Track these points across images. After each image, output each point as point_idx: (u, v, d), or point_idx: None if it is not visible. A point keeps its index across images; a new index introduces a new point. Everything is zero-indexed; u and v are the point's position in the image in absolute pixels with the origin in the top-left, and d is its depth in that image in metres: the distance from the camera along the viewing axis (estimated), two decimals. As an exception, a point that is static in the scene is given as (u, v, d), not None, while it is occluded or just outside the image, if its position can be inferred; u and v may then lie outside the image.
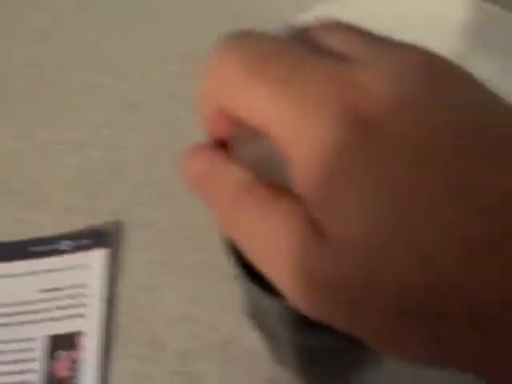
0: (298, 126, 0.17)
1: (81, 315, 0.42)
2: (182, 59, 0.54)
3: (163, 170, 0.47)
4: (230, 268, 0.41)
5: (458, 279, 0.16)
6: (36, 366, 0.40)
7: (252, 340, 0.39)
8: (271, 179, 0.19)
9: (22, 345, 0.41)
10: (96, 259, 0.44)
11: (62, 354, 0.40)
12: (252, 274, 0.24)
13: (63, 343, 0.41)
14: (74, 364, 0.40)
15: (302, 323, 0.23)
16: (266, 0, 0.56)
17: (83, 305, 0.42)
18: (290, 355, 0.28)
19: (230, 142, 0.21)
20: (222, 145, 0.21)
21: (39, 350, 0.40)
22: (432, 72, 0.18)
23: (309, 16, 0.50)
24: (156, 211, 0.45)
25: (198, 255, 0.43)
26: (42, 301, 0.42)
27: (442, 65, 0.18)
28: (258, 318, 0.27)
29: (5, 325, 0.41)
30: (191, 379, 0.39)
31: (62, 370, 0.40)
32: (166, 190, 0.46)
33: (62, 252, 0.44)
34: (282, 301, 0.23)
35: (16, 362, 0.40)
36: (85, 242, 0.44)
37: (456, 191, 0.16)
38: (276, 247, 0.18)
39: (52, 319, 0.42)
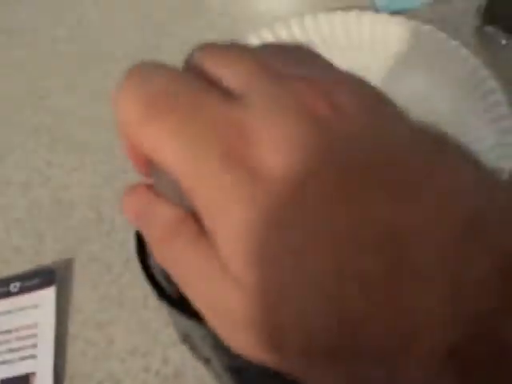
0: (193, 170, 0.18)
1: (32, 356, 0.41)
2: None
3: (111, 206, 0.48)
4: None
5: (359, 315, 0.16)
6: (-13, 411, 0.39)
7: (204, 371, 0.39)
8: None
9: (-28, 391, 0.40)
10: (45, 298, 0.43)
11: (15, 397, 0.40)
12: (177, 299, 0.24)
13: (15, 386, 0.40)
14: (26, 407, 0.39)
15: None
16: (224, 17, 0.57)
17: (34, 346, 0.42)
18: (227, 380, 0.29)
19: (148, 175, 0.21)
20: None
21: (-10, 394, 0.40)
22: (321, 111, 0.17)
23: (265, 33, 0.51)
24: (105, 247, 0.46)
25: (148, 288, 0.43)
26: (-8, 344, 0.42)
27: (337, 100, 0.18)
28: (187, 342, 0.27)
29: (-46, 371, 0.41)
30: (146, 414, 0.39)
31: (15, 414, 0.39)
32: (115, 226, 0.46)
33: (10, 294, 0.44)
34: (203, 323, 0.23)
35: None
36: (33, 281, 0.44)
37: (348, 228, 0.16)
38: (201, 286, 0.18)
39: (3, 362, 0.41)
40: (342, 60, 0.50)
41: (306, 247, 0.17)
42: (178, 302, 0.24)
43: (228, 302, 0.17)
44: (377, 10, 0.55)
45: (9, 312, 0.43)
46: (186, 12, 0.59)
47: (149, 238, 0.20)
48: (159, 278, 0.25)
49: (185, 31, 0.57)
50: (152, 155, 0.19)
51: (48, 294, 0.44)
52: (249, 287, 0.17)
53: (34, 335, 0.42)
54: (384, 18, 0.53)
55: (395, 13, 0.54)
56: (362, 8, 0.54)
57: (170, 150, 0.18)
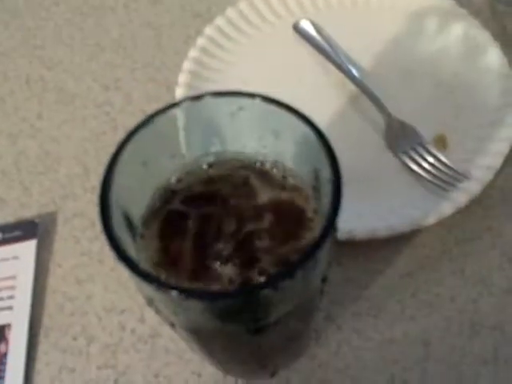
0: None
1: (9, 308, 0.41)
2: (115, 48, 0.53)
3: (98, 161, 0.47)
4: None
5: None
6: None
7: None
8: None
9: None
10: (26, 251, 0.43)
11: (-11, 347, 0.40)
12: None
13: (-10, 337, 0.40)
14: (1, 357, 0.39)
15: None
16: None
17: (11, 297, 0.41)
18: (190, 340, 0.28)
19: None
20: None
21: (-34, 343, 0.40)
22: None
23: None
24: (89, 203, 0.45)
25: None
26: (-30, 294, 0.42)
27: None
28: (152, 305, 0.27)
29: None
30: (118, 373, 0.38)
31: (-11, 364, 0.39)
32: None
33: (-9, 244, 0.43)
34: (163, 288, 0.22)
35: None
36: (15, 233, 0.44)
37: None
38: None
39: (-21, 312, 0.41)
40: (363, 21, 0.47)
41: None
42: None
43: None
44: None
45: (-11, 262, 0.43)
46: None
47: None
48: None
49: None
50: None
51: (29, 247, 0.43)
52: None
53: (13, 287, 0.42)
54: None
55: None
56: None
57: None
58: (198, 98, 0.28)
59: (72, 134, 0.48)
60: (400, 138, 0.45)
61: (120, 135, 0.48)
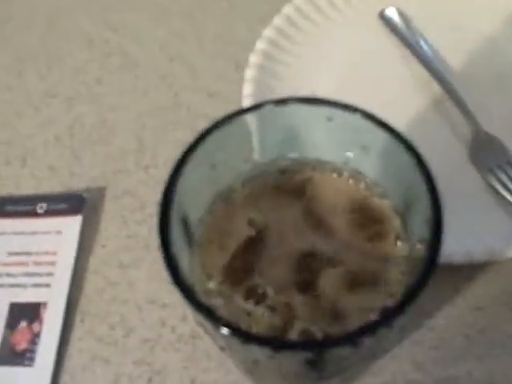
0: None
1: (47, 285, 0.39)
2: (184, 17, 0.50)
3: (155, 138, 0.44)
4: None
5: None
6: (-8, 334, 0.37)
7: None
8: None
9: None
10: (70, 226, 0.40)
11: (23, 324, 0.37)
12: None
13: (25, 313, 0.38)
14: (33, 337, 0.37)
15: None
16: None
17: (50, 274, 0.39)
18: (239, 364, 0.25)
19: None
20: None
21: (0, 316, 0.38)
22: None
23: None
24: (141, 182, 0.42)
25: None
26: (8, 264, 0.40)
27: None
28: (201, 326, 0.24)
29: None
30: (154, 371, 0.36)
31: (22, 343, 0.37)
32: (155, 161, 0.43)
33: (35, 214, 0.41)
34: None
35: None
36: (61, 206, 0.41)
37: None
38: None
39: (16, 285, 0.39)
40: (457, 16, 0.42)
41: None
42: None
43: None
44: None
45: (31, 233, 0.41)
46: None
47: None
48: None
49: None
50: None
51: (74, 222, 0.41)
52: None
53: (53, 263, 0.39)
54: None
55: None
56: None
57: None
58: (282, 102, 0.25)
59: (131, 104, 0.46)
60: (486, 152, 0.40)
61: (182, 113, 0.46)
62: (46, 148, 0.44)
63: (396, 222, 0.27)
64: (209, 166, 0.25)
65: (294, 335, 0.24)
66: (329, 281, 0.25)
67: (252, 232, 0.27)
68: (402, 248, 0.27)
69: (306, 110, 0.25)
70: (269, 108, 0.25)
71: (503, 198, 0.38)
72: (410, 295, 0.20)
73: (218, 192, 0.27)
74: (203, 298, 0.25)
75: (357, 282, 0.25)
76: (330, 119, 0.25)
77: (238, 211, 0.27)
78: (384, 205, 0.27)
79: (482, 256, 0.35)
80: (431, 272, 0.21)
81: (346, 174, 0.28)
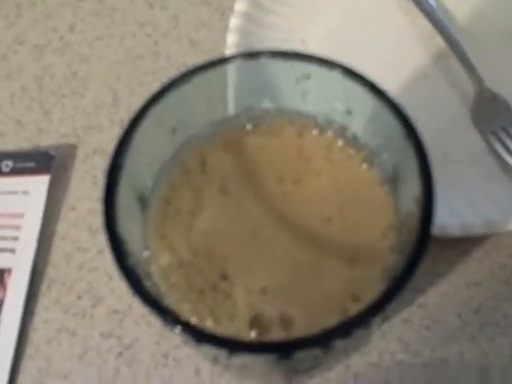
0: None
1: (11, 250, 0.36)
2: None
3: (131, 91, 0.40)
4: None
5: None
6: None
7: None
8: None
9: None
10: (37, 186, 0.37)
11: (-15, 291, 0.35)
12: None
13: (-13, 279, 0.35)
14: (-4, 305, 0.35)
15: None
16: None
17: (15, 238, 0.36)
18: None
19: None
20: None
21: (-40, 282, 0.35)
22: None
23: None
24: (114, 139, 0.39)
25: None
26: (-31, 227, 0.37)
27: None
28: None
29: None
30: (123, 345, 0.33)
31: (-18, 310, 0.34)
32: (130, 116, 0.39)
33: (0, 173, 0.38)
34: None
35: None
36: (28, 164, 0.38)
37: None
38: None
39: (-22, 250, 0.36)
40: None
41: None
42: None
43: None
44: None
45: (-5, 194, 0.38)
46: None
47: None
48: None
49: None
50: None
51: (41, 182, 0.38)
52: None
53: (18, 227, 0.37)
54: None
55: None
56: None
57: None
58: (251, 56, 0.21)
59: (105, 53, 0.42)
60: (491, 113, 0.37)
61: (160, 63, 0.42)
62: (12, 101, 0.41)
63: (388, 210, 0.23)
64: (168, 130, 0.22)
65: (267, 321, 0.21)
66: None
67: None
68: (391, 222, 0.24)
69: (280, 65, 0.21)
70: (237, 62, 0.21)
71: (506, 164, 0.35)
72: (389, 295, 0.17)
73: (180, 159, 0.24)
74: (157, 277, 0.22)
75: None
76: (307, 77, 0.22)
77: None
78: (372, 175, 0.24)
79: (479, 228, 0.32)
80: (415, 267, 0.18)
81: (329, 133, 0.24)
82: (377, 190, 0.23)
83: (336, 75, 0.20)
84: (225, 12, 0.42)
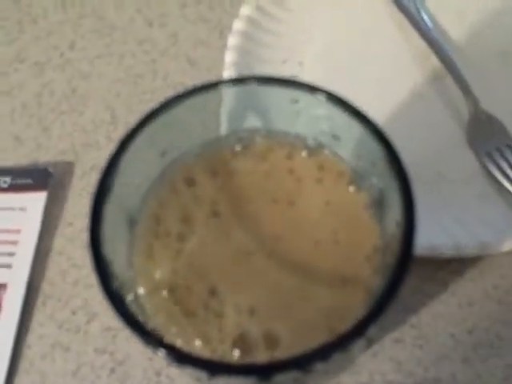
0: None
1: (7, 266, 0.36)
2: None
3: (129, 109, 0.41)
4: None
5: None
6: None
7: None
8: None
9: None
10: (34, 203, 0.38)
11: (-20, 306, 0.35)
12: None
13: (-17, 295, 0.36)
14: (-10, 320, 0.35)
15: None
16: None
17: (11, 254, 0.36)
18: None
19: None
20: None
21: (-43, 297, 0.35)
22: None
23: None
24: (112, 157, 0.39)
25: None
26: (-33, 242, 0.37)
27: None
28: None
29: None
30: (116, 361, 0.33)
31: (-22, 325, 0.35)
32: (128, 134, 0.40)
33: (-2, 189, 0.38)
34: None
35: None
36: (26, 180, 0.38)
37: None
38: None
39: (-25, 265, 0.37)
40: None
41: None
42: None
43: None
44: None
45: (-8, 209, 0.38)
46: None
47: None
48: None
49: None
50: None
51: (38, 198, 0.38)
52: None
53: (15, 242, 0.37)
54: None
55: None
56: None
57: None
58: (239, 81, 0.21)
59: (105, 71, 0.42)
60: (485, 134, 0.37)
61: (158, 82, 0.43)
62: (13, 117, 0.41)
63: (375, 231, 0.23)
64: (158, 151, 0.22)
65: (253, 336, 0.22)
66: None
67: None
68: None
69: (269, 90, 0.21)
70: (226, 87, 0.22)
71: (500, 185, 0.35)
72: (369, 319, 0.17)
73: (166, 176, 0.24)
74: (143, 299, 0.22)
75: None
76: (295, 101, 0.22)
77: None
78: (360, 198, 0.24)
79: (472, 249, 0.33)
80: (395, 291, 0.18)
81: (319, 155, 0.24)
82: (364, 212, 0.23)
83: (321, 100, 0.20)
84: (223, 31, 0.42)
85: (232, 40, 0.40)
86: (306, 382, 0.20)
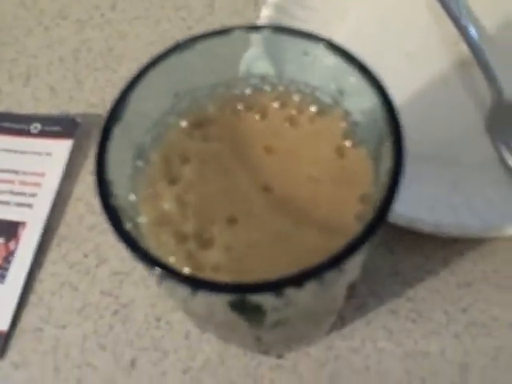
0: None
1: (29, 205, 0.38)
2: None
3: (160, 70, 0.42)
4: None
5: None
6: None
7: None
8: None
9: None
10: (60, 149, 0.40)
11: (0, 241, 0.37)
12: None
13: (4, 230, 0.37)
14: (8, 255, 0.37)
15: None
16: None
17: (33, 195, 0.38)
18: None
19: None
20: None
21: (-20, 230, 0.37)
22: None
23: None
24: (138, 113, 0.41)
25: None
26: (-6, 180, 0.39)
27: None
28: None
29: None
30: (120, 304, 0.35)
31: (-4, 259, 0.37)
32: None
33: (29, 134, 0.40)
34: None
35: None
36: (54, 128, 0.40)
37: None
38: None
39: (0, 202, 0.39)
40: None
41: None
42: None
43: None
44: None
45: (21, 152, 0.40)
46: None
47: None
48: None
49: None
50: None
51: (64, 145, 0.40)
52: None
53: (38, 184, 0.39)
54: None
55: None
56: None
57: None
58: (254, 29, 0.22)
59: (141, 33, 0.44)
60: (505, 123, 0.37)
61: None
62: (50, 69, 0.43)
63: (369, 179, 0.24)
64: (169, 91, 0.24)
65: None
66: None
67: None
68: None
69: (281, 40, 0.22)
70: (239, 33, 0.23)
71: (513, 173, 0.35)
72: (344, 253, 0.18)
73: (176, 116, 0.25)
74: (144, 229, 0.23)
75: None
76: (306, 53, 0.23)
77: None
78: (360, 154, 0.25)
79: (477, 231, 0.33)
80: (370, 234, 0.19)
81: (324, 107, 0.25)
82: (360, 164, 0.23)
83: (324, 51, 0.21)
84: (258, 2, 0.43)
85: (265, 11, 0.41)
86: (288, 318, 0.21)
